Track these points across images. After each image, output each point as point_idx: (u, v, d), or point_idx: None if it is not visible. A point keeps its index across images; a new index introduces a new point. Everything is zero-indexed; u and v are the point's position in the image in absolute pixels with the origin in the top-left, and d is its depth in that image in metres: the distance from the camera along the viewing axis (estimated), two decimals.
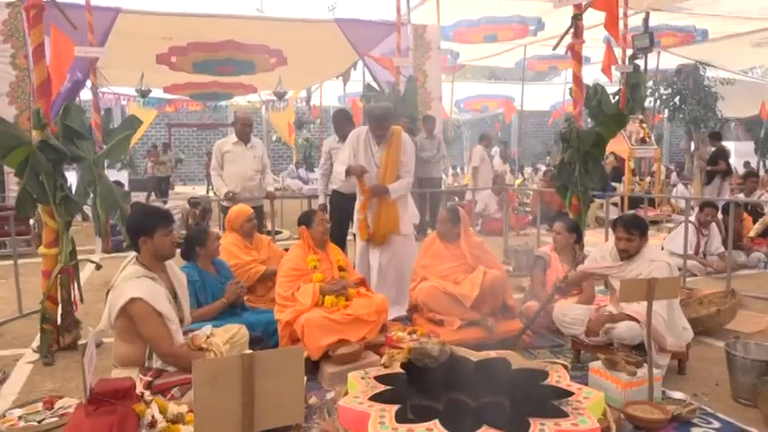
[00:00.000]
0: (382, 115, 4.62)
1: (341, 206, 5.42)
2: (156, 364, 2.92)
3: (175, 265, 3.22)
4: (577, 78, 5.35)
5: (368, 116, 4.70)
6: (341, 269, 4.17)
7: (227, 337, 3.33)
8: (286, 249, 4.96)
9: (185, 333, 3.23)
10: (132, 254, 3.14)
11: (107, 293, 3.01)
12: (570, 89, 5.60)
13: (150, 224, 3.02)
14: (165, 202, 11.15)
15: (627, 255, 3.76)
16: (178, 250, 3.63)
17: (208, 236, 4.11)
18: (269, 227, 7.56)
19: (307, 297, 3.85)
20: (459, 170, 20.01)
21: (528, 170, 18.89)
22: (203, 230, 4.25)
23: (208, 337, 3.23)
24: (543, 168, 15.37)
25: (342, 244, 5.08)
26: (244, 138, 6.27)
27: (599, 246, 4.32)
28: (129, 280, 2.91)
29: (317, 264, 4.08)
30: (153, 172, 15.74)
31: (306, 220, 4.20)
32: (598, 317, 3.75)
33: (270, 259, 4.85)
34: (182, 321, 3.12)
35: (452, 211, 4.59)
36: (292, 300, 3.89)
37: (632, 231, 3.73)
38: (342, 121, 5.94)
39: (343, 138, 5.90)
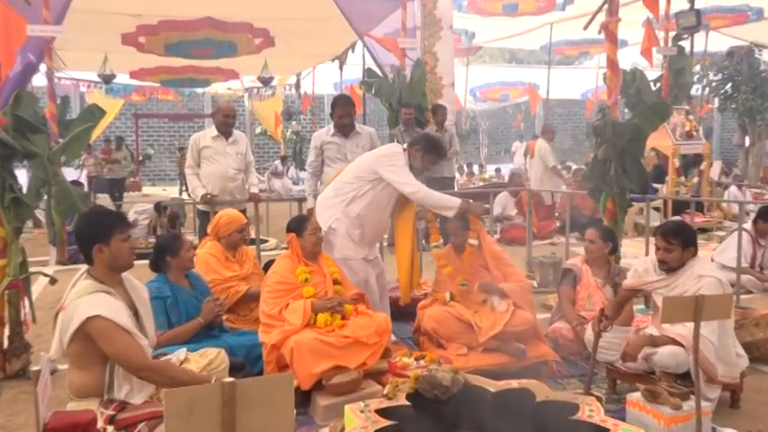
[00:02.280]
0: (446, 151, 4.66)
1: None
2: (120, 395, 2.92)
3: (133, 278, 3.21)
4: (612, 62, 5.36)
5: (432, 149, 4.59)
6: (336, 282, 4.17)
7: (203, 363, 3.33)
8: (270, 262, 4.97)
9: (155, 357, 3.23)
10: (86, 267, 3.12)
11: (56, 315, 3.00)
12: (604, 75, 5.61)
13: (105, 229, 2.99)
14: (119, 207, 11.01)
15: (665, 267, 3.76)
16: (143, 262, 3.63)
17: (181, 244, 4.12)
18: (252, 234, 7.57)
19: (296, 316, 3.85)
20: (474, 168, 20.02)
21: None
22: (175, 237, 4.27)
23: (182, 363, 3.23)
24: (574, 167, 15.35)
25: None
26: (225, 131, 6.28)
27: (640, 258, 4.32)
28: (81, 297, 2.89)
29: (307, 276, 4.09)
30: (98, 171, 15.25)
31: (296, 226, 4.21)
32: (637, 340, 3.75)
33: (252, 276, 4.86)
34: None
35: (462, 217, 4.59)
36: (279, 319, 3.89)
37: (671, 241, 3.72)
38: (347, 107, 5.82)
39: (340, 129, 5.86)
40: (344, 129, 5.82)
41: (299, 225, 4.22)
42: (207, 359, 3.37)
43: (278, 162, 19.52)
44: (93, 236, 3.00)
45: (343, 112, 5.79)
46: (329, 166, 5.89)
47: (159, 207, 9.80)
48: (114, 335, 2.83)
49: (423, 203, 4.57)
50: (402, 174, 4.47)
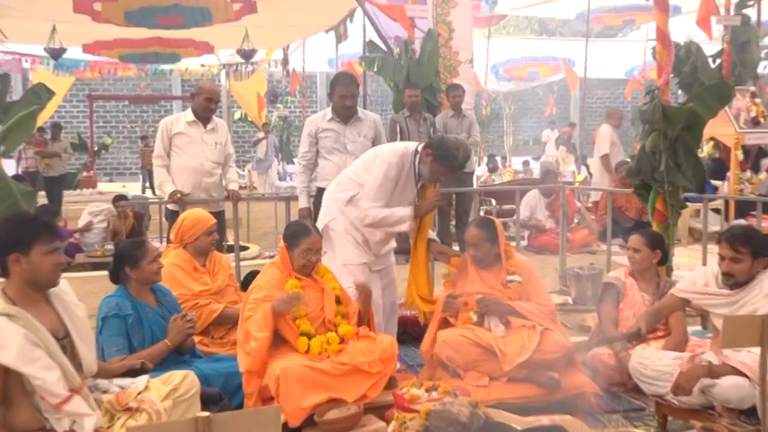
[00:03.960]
0: (466, 159, 4.70)
1: None
2: (63, 426, 2.93)
3: (68, 292, 3.22)
4: (663, 34, 5.37)
5: (442, 158, 4.54)
6: (338, 302, 4.14)
7: (166, 390, 3.31)
8: (252, 273, 4.97)
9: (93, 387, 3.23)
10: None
11: None
12: (653, 49, 5.62)
13: (26, 236, 3.01)
14: (57, 213, 10.68)
15: (732, 281, 3.77)
16: (101, 273, 3.62)
17: (144, 251, 4.09)
18: (230, 240, 7.58)
19: (259, 326, 3.83)
20: (498, 161, 20.01)
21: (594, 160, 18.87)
22: (137, 244, 4.23)
23: (140, 393, 3.23)
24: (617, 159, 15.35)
25: None
26: (205, 116, 6.29)
27: (700, 269, 4.32)
28: None
29: (300, 292, 4.07)
30: (37, 166, 14.67)
31: (292, 237, 4.14)
32: (692, 369, 3.75)
33: (227, 288, 4.88)
34: (80, 370, 3.12)
35: (485, 224, 4.55)
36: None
37: (740, 249, 3.73)
38: (350, 87, 5.81)
39: (339, 114, 5.86)
40: (345, 113, 5.83)
41: (295, 237, 4.13)
42: (171, 385, 3.35)
43: (260, 135, 19.19)
44: (10, 242, 3.01)
45: (346, 91, 5.77)
46: (325, 157, 5.89)
47: (119, 201, 9.56)
48: None
49: (373, 227, 4.62)
50: (370, 185, 4.57)
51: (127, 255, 4.09)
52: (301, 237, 4.12)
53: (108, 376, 3.40)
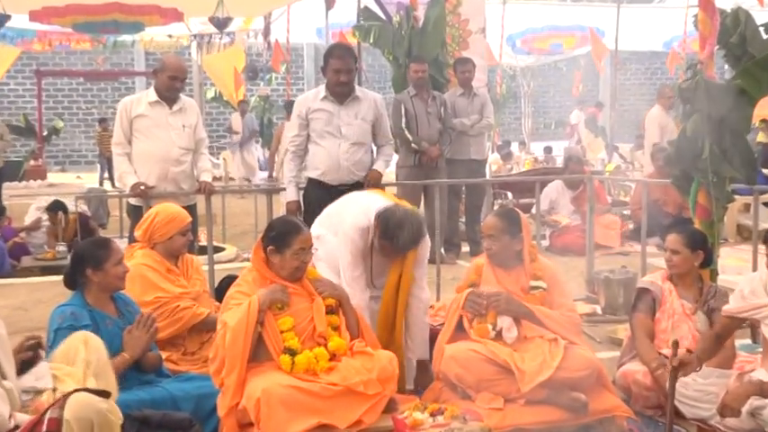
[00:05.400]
0: (413, 240, 4.48)
1: (323, 205, 5.42)
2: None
3: None
4: (707, 0, 5.37)
5: (383, 234, 4.46)
6: (330, 311, 4.12)
7: (80, 371, 3.28)
8: (228, 278, 4.96)
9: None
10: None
11: None
12: (695, 18, 5.61)
13: None
14: (1, 212, 10.61)
15: None
16: (52, 278, 3.62)
17: (109, 252, 4.06)
18: (202, 240, 7.59)
19: (235, 314, 3.85)
20: (514, 147, 19.97)
21: (627, 147, 18.84)
22: (101, 244, 4.20)
23: (55, 390, 3.22)
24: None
25: None
26: (169, 96, 6.28)
27: (746, 275, 4.32)
28: None
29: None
30: None
31: (281, 237, 4.08)
32: (740, 388, 3.77)
33: (203, 296, 4.89)
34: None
35: (507, 215, 4.57)
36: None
37: None
38: (346, 60, 5.79)
39: (333, 92, 5.85)
40: (340, 90, 5.83)
41: (282, 237, 4.06)
42: (80, 361, 3.34)
43: (235, 116, 18.98)
44: None
45: (341, 65, 5.77)
46: (316, 143, 5.90)
47: (58, 208, 9.33)
48: None
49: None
50: (342, 268, 4.60)
51: (88, 255, 4.07)
52: (293, 235, 4.07)
53: None
